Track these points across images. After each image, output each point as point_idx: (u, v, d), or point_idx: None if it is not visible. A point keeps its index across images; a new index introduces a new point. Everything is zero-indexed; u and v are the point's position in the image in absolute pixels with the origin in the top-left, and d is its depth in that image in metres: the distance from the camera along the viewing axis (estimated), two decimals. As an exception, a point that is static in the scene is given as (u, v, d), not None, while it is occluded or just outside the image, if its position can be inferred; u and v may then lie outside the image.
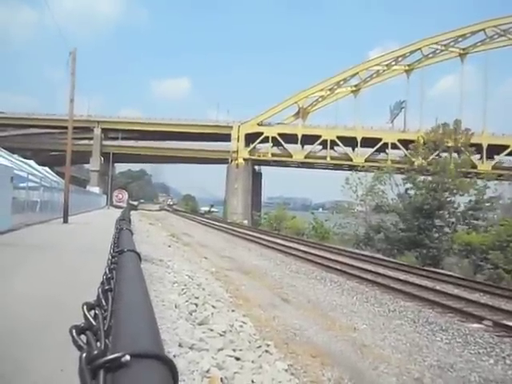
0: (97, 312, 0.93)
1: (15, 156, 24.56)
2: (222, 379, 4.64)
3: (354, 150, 60.81)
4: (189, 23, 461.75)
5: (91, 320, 0.87)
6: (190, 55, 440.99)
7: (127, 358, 0.63)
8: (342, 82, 61.63)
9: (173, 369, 0.67)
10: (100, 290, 1.17)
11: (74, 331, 0.77)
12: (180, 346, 5.18)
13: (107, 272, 1.51)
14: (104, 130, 66.06)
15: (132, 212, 31.66)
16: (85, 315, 0.90)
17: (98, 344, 0.77)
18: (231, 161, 61.93)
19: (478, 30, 57.10)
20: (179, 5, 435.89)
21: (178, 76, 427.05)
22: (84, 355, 0.66)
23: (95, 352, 0.66)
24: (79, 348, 0.72)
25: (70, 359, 0.90)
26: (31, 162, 26.62)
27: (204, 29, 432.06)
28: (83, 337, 0.81)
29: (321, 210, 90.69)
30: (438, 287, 13.79)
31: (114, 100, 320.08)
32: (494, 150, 55.26)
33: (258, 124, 61.79)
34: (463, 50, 58.99)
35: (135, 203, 76.41)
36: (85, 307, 0.93)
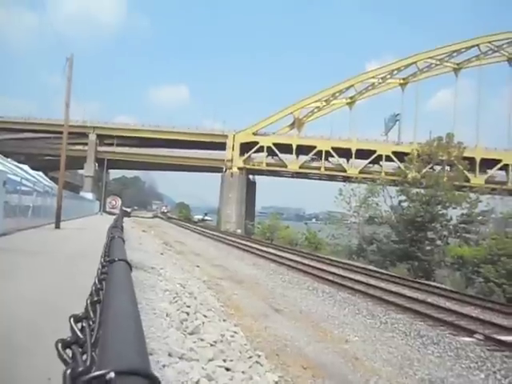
0: (84, 325, 0.92)
1: (9, 160, 24.46)
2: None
3: (348, 161, 61.08)
4: (187, 31, 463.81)
5: (78, 333, 0.86)
6: (188, 63, 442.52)
7: (112, 375, 0.62)
8: (337, 94, 62.03)
9: (158, 386, 0.66)
10: (88, 301, 1.16)
11: (59, 345, 0.76)
12: (170, 355, 5.12)
13: (96, 283, 1.50)
14: (99, 136, 65.92)
15: (125, 219, 31.50)
16: (72, 328, 0.89)
17: (84, 357, 0.76)
18: (226, 169, 61.92)
19: (472, 45, 57.86)
20: (177, 13, 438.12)
21: (175, 83, 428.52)
22: (68, 372, 0.65)
23: (80, 368, 0.65)
24: (65, 363, 0.71)
25: (59, 367, 0.88)
26: (25, 167, 26.52)
27: (202, 36, 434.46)
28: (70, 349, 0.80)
29: (314, 220, 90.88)
30: (429, 300, 13.81)
31: (110, 106, 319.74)
32: (487, 163, 55.71)
33: (254, 133, 61.93)
34: (457, 64, 59.67)
35: (128, 210, 75.95)
36: (72, 320, 0.92)
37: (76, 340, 0.82)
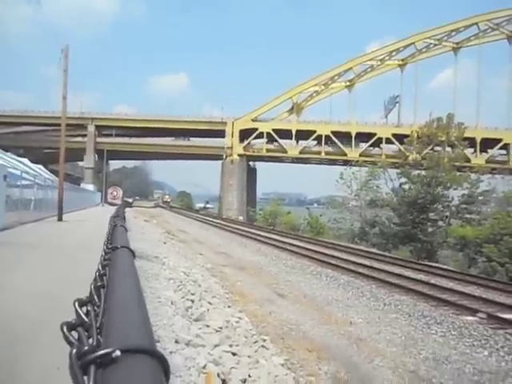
0: (89, 308, 0.93)
1: (8, 154, 24.42)
2: (218, 375, 4.65)
3: (349, 145, 60.90)
4: (186, 19, 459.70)
5: (83, 316, 0.87)
6: (187, 51, 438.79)
7: (118, 353, 0.63)
8: (336, 77, 61.58)
9: (164, 364, 0.67)
10: (92, 286, 1.17)
11: (65, 327, 0.76)
12: (176, 342, 5.18)
13: (100, 268, 1.51)
14: (98, 127, 65.72)
15: (127, 209, 31.58)
16: (76, 311, 0.89)
17: (90, 340, 0.77)
18: (226, 157, 61.83)
19: (471, 24, 57.19)
20: (176, 3, 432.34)
21: (174, 72, 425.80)
22: (74, 351, 0.65)
23: (86, 348, 0.66)
24: (70, 344, 0.71)
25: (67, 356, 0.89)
26: (25, 160, 26.48)
27: (202, 25, 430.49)
28: (75, 333, 0.81)
29: (316, 205, 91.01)
30: (432, 281, 13.88)
31: (109, 96, 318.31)
32: (488, 143, 55.53)
33: (253, 120, 61.66)
34: (456, 44, 59.10)
35: (130, 200, 76.04)
36: (76, 303, 0.93)
37: (81, 323, 0.83)
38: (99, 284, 1.19)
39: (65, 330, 0.76)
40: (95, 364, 0.63)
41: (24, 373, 3.15)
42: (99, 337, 0.81)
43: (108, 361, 0.63)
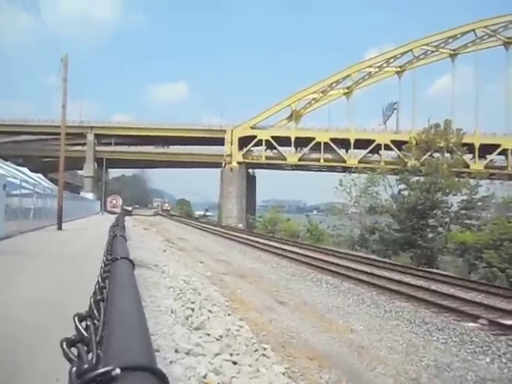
0: (88, 323, 0.93)
1: (8, 163, 24.42)
2: (218, 384, 4.62)
3: (347, 151, 61.05)
4: (184, 27, 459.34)
5: (83, 332, 0.87)
6: (185, 59, 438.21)
7: (117, 371, 0.63)
8: (334, 84, 61.86)
9: (164, 381, 0.66)
10: (92, 300, 1.16)
11: (64, 344, 0.76)
12: (176, 351, 5.15)
13: (100, 281, 1.50)
14: (97, 136, 65.83)
15: (126, 217, 31.53)
16: (76, 327, 0.89)
17: (90, 356, 0.76)
18: (225, 164, 61.92)
19: (468, 30, 57.60)
20: (172, 8, 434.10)
21: (173, 80, 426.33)
22: (74, 369, 0.65)
23: (85, 366, 0.66)
24: (70, 361, 0.71)
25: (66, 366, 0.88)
26: (24, 169, 26.48)
27: (201, 32, 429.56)
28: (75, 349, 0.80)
29: (315, 212, 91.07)
30: (433, 287, 13.83)
31: (108, 105, 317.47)
32: (486, 149, 55.68)
33: (252, 127, 61.85)
34: (454, 50, 59.47)
35: (129, 208, 75.94)
36: (76, 318, 0.93)
37: (81, 338, 0.83)
38: (98, 298, 1.19)
39: (64, 346, 0.75)
40: (95, 382, 0.63)
41: (25, 378, 3.13)
42: (99, 351, 0.81)
43: (108, 379, 0.62)
